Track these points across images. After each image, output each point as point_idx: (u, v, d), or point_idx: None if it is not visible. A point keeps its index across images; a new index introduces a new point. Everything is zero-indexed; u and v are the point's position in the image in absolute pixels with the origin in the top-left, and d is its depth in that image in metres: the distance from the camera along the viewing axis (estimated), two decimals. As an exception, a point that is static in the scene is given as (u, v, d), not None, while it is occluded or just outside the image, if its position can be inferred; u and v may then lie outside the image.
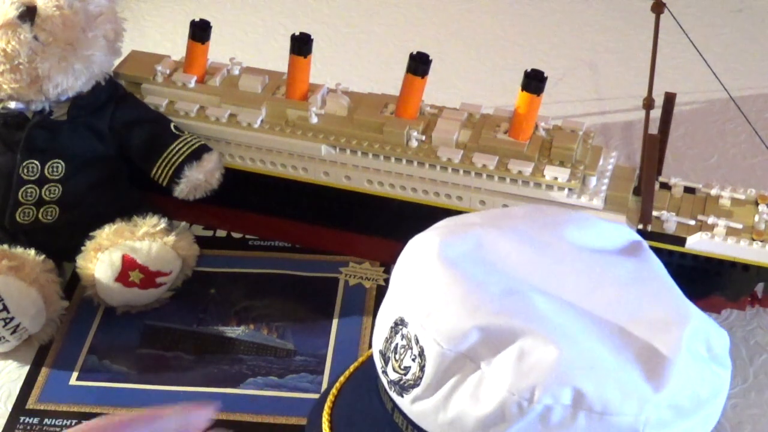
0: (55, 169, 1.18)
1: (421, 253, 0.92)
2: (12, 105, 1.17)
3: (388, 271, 1.27)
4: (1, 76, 1.13)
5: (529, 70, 1.14)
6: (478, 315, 0.85)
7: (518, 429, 0.83)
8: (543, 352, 0.82)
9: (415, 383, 0.87)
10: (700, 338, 0.87)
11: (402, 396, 0.89)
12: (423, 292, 0.88)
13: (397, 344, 0.89)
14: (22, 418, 1.10)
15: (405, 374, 0.88)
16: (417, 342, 0.87)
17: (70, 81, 1.16)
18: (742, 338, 1.20)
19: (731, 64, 1.66)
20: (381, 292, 1.24)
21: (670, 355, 0.84)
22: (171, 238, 1.18)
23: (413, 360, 0.87)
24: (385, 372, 0.91)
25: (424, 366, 0.86)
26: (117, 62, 1.27)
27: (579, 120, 1.21)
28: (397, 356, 0.89)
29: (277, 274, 1.28)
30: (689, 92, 1.58)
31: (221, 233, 1.34)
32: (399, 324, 0.89)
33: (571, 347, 0.83)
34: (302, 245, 1.32)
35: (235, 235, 1.34)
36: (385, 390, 0.92)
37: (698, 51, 1.17)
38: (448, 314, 0.85)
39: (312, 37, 1.22)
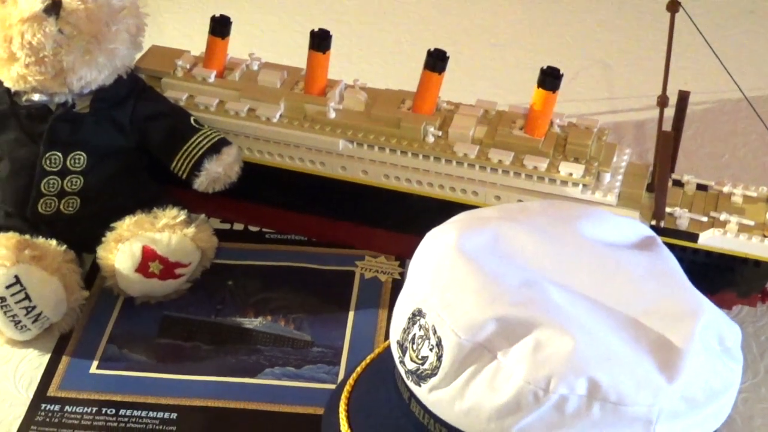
0: (77, 161, 1.20)
1: (439, 246, 0.93)
2: (36, 97, 1.18)
3: (403, 265, 1.29)
4: (27, 68, 1.15)
5: (545, 67, 1.16)
6: (495, 306, 0.86)
7: (534, 418, 0.84)
8: (559, 342, 0.83)
9: (433, 373, 0.88)
10: (712, 331, 0.88)
11: (419, 385, 0.90)
12: (441, 284, 0.90)
13: (414, 334, 0.90)
14: (43, 405, 1.11)
15: (422, 364, 0.89)
16: (435, 332, 0.88)
17: (94, 74, 1.17)
18: (752, 334, 1.21)
19: (742, 64, 1.67)
20: (396, 285, 1.25)
21: (683, 346, 0.85)
22: (191, 230, 1.19)
23: (431, 350, 0.88)
24: (402, 362, 0.92)
25: (441, 356, 0.87)
26: (138, 56, 1.29)
27: (592, 118, 1.23)
28: (415, 346, 0.90)
29: (294, 267, 1.29)
30: (700, 92, 1.59)
31: (239, 226, 1.36)
32: (417, 315, 0.91)
33: (586, 338, 0.84)
34: (319, 239, 1.33)
35: (253, 228, 1.36)
36: (402, 380, 0.93)
37: (713, 50, 1.19)
38: (466, 305, 0.87)
39: (331, 33, 1.24)
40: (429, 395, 0.89)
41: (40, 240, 1.18)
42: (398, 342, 0.93)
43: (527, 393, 0.83)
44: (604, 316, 0.88)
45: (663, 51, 1.14)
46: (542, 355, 0.83)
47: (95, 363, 1.17)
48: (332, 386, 1.11)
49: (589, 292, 0.90)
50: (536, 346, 0.84)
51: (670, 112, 1.17)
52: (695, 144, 1.52)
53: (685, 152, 1.47)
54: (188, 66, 1.30)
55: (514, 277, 0.89)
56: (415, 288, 0.93)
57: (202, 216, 1.24)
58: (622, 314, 0.89)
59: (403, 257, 1.29)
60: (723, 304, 1.20)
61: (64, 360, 1.17)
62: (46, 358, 1.17)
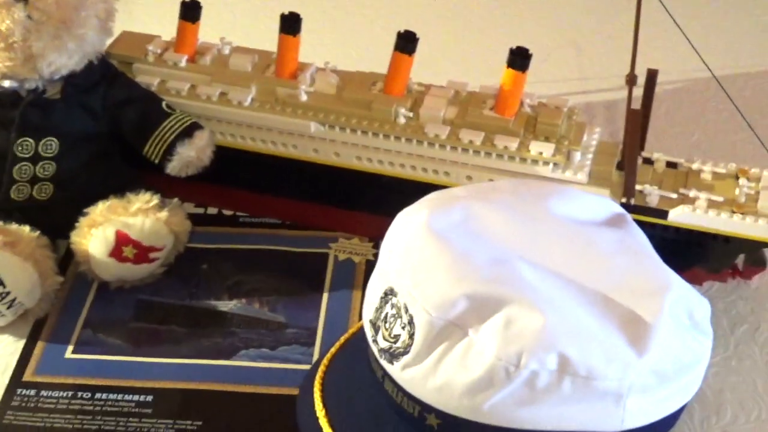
0: (49, 147, 1.20)
1: (410, 225, 0.94)
2: (6, 84, 1.18)
3: (377, 246, 1.29)
4: (-4, 54, 1.15)
5: (514, 47, 1.17)
6: (465, 284, 0.87)
7: (505, 394, 0.85)
8: (529, 319, 0.84)
9: (405, 351, 0.89)
10: (681, 306, 0.90)
11: (392, 364, 0.91)
12: (412, 262, 0.90)
13: (387, 313, 0.91)
14: (19, 390, 1.11)
15: (395, 342, 0.90)
16: (406, 311, 0.89)
17: (64, 59, 1.17)
18: (723, 309, 1.22)
19: (712, 43, 1.68)
20: (370, 267, 1.25)
21: (653, 321, 0.86)
22: (164, 214, 1.19)
23: (403, 328, 0.89)
24: (375, 341, 0.93)
25: (413, 334, 0.88)
26: (108, 42, 1.28)
27: (562, 97, 1.23)
28: (387, 325, 0.91)
29: (268, 250, 1.29)
30: (671, 71, 1.60)
31: (212, 210, 1.36)
32: (389, 293, 0.91)
33: (556, 314, 0.85)
34: (292, 221, 1.34)
35: (226, 212, 1.36)
36: (376, 358, 0.94)
37: (680, 29, 1.19)
38: (437, 283, 0.88)
39: (301, 17, 1.24)
40: (402, 373, 0.90)
41: (14, 226, 1.17)
42: (371, 321, 0.94)
43: (498, 369, 0.84)
44: (575, 292, 0.89)
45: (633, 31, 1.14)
46: (513, 332, 0.84)
47: (71, 347, 1.17)
48: (307, 367, 1.11)
49: (560, 269, 0.91)
50: (507, 323, 0.85)
51: (639, 91, 1.18)
52: (666, 123, 1.53)
53: (655, 131, 1.48)
54: (159, 51, 1.30)
55: (484, 255, 0.90)
56: (386, 267, 0.94)
57: (176, 200, 1.24)
58: (592, 290, 0.90)
59: (377, 238, 1.29)
60: (694, 280, 1.21)
61: (40, 345, 1.17)
62: (22, 343, 1.17)
